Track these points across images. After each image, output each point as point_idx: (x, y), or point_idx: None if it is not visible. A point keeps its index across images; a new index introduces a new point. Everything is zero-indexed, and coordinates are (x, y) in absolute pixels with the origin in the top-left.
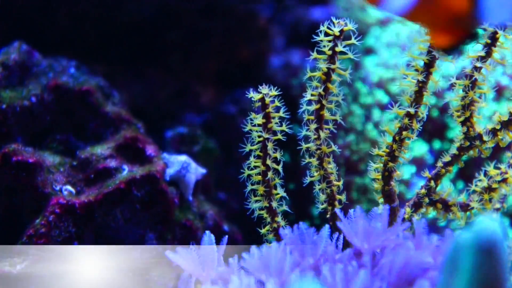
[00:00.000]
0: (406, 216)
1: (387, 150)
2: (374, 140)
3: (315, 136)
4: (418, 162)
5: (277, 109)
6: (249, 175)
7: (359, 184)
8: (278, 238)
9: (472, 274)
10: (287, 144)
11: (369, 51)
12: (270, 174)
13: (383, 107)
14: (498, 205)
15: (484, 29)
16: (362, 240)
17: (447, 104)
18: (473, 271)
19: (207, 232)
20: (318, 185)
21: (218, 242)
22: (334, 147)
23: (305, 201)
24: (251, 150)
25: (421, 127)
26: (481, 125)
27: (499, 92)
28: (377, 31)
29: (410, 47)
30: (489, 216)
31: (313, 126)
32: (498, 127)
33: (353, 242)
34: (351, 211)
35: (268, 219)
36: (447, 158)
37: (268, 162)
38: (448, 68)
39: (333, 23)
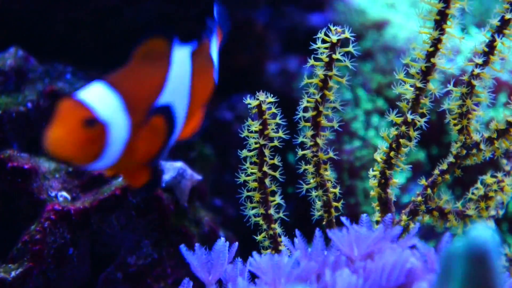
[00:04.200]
0: (402, 223)
1: (384, 158)
2: (375, 146)
3: (312, 143)
4: (415, 168)
5: (274, 116)
6: (245, 182)
7: (363, 188)
8: (275, 245)
9: (465, 282)
10: (291, 145)
11: (366, 55)
12: (267, 181)
13: (382, 113)
14: (493, 212)
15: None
16: (351, 248)
17: (445, 110)
18: (466, 280)
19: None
20: (315, 192)
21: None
22: (332, 154)
23: (305, 205)
24: (247, 157)
25: (418, 135)
26: (478, 132)
27: (498, 89)
28: (374, 35)
29: (408, 51)
30: (484, 224)
31: (309, 133)
32: (494, 135)
33: (343, 250)
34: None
35: (264, 226)
36: (444, 166)
37: (265, 168)
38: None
39: (331, 30)
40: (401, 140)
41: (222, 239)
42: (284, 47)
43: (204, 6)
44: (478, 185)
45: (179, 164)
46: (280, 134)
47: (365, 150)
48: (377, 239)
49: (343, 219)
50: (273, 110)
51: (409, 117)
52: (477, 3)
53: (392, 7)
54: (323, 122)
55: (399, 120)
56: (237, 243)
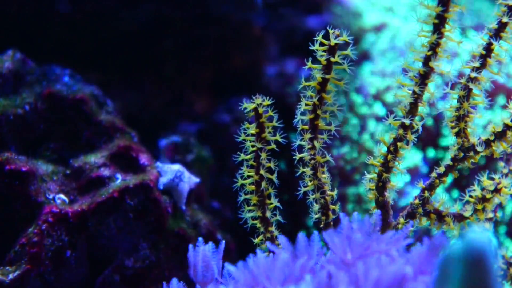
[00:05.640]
0: (399, 226)
1: (382, 161)
2: (369, 150)
3: (309, 146)
4: (412, 171)
5: (271, 119)
6: (243, 185)
7: (354, 194)
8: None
9: (462, 285)
10: (283, 152)
11: (364, 57)
12: (263, 184)
13: (379, 118)
14: (490, 215)
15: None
16: (345, 251)
17: (441, 112)
18: (463, 282)
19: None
20: (312, 195)
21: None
22: (329, 157)
23: (300, 210)
24: (245, 159)
25: (415, 139)
26: (475, 135)
27: (495, 92)
28: (372, 37)
29: (406, 54)
30: (481, 227)
31: (307, 136)
32: (492, 138)
33: (337, 253)
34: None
35: (262, 229)
36: (441, 169)
37: (262, 172)
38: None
39: (329, 33)
40: (398, 144)
41: (209, 244)
42: (282, 49)
43: (202, 8)
44: (475, 187)
45: (176, 167)
46: (277, 137)
47: (356, 153)
48: (371, 241)
49: (342, 215)
50: (270, 113)
51: (407, 121)
52: (467, 3)
53: (390, 10)
54: (321, 125)
55: (397, 123)
56: (223, 241)
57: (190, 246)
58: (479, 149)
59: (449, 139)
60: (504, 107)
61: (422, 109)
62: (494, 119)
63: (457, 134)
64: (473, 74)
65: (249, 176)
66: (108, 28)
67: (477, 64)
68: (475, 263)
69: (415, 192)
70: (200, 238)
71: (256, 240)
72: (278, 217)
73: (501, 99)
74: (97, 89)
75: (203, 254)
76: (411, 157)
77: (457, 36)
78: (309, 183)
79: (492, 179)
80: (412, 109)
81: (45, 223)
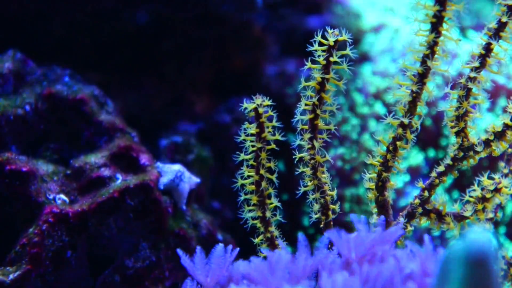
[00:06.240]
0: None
1: (381, 160)
2: (369, 150)
3: (309, 146)
4: (413, 171)
5: (271, 119)
6: (243, 185)
7: (352, 194)
8: (273, 248)
9: (463, 285)
10: (281, 153)
11: (365, 56)
12: (263, 183)
13: (378, 117)
14: (491, 215)
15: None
16: (349, 250)
17: (441, 113)
18: (464, 283)
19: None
20: (312, 194)
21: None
22: (328, 157)
23: (298, 210)
24: (245, 159)
25: (415, 138)
26: (475, 135)
27: (496, 93)
28: (373, 37)
29: (407, 53)
30: (481, 227)
31: (307, 135)
32: (491, 137)
33: (342, 252)
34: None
35: (262, 229)
36: (441, 168)
37: (262, 171)
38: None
39: (328, 33)
40: (398, 143)
41: (221, 244)
42: (282, 49)
43: (202, 9)
44: (475, 187)
45: (177, 167)
46: (277, 137)
47: (356, 153)
48: (375, 241)
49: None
50: (270, 113)
51: (405, 120)
52: (466, 3)
53: (390, 10)
54: (320, 125)
55: (396, 122)
56: (238, 249)
57: (199, 248)
58: (478, 148)
59: (450, 139)
60: (505, 109)
61: (421, 108)
62: (495, 121)
63: (457, 134)
64: (473, 74)
65: (249, 176)
66: (108, 28)
67: (476, 64)
68: (475, 264)
69: (415, 192)
70: (221, 245)
71: (256, 240)
72: (279, 217)
73: (502, 101)
74: (98, 89)
75: (216, 258)
76: (414, 157)
77: (455, 35)
78: (309, 183)
79: (492, 179)
80: (411, 108)
81: (46, 223)
